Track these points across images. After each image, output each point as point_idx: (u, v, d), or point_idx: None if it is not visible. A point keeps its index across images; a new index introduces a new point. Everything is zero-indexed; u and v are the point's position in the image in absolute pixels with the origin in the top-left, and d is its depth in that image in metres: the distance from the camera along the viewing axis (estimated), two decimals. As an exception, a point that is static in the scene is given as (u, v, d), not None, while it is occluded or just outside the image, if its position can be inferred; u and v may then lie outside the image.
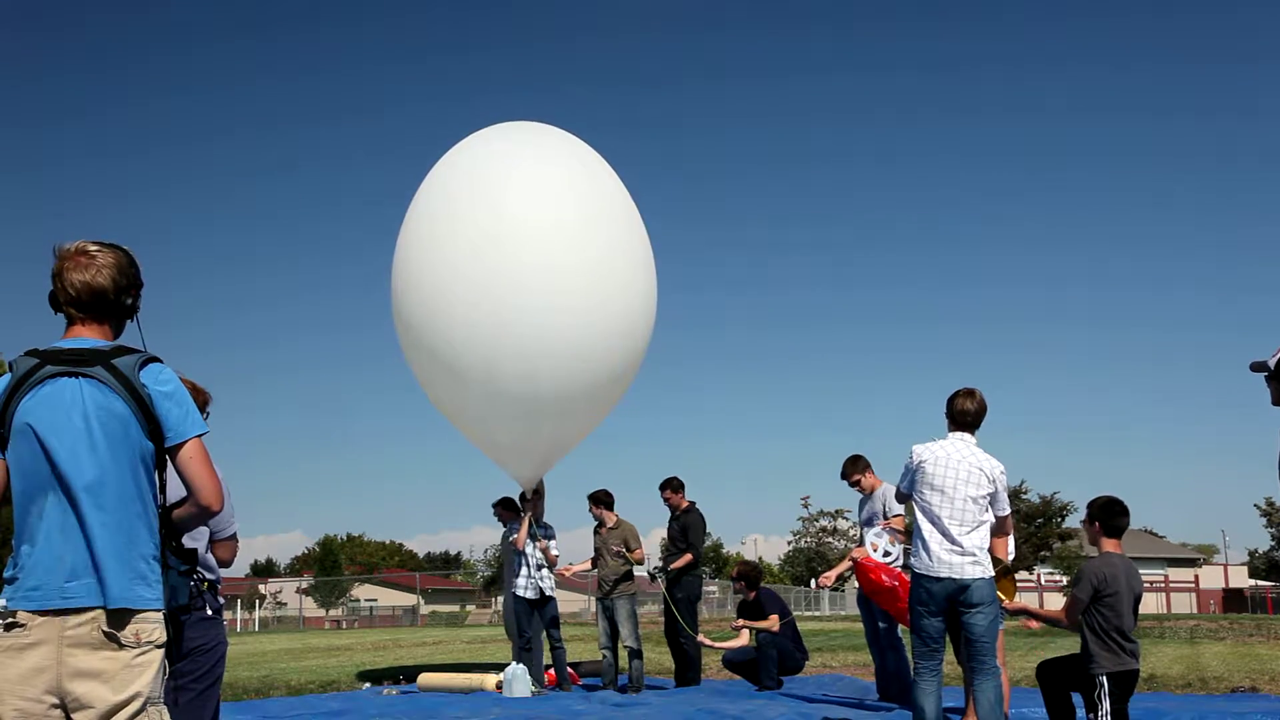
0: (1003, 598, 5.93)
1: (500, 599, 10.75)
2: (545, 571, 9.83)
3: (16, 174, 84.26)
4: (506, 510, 10.32)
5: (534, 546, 9.82)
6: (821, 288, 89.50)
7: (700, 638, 9.60)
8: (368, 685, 10.64)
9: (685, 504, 9.88)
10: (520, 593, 9.81)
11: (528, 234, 9.14)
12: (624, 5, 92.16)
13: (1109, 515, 5.41)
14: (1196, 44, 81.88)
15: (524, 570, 9.83)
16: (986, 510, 5.49)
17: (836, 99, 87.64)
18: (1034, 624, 6.17)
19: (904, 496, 5.75)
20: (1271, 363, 4.11)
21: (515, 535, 9.88)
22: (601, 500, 9.83)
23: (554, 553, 9.90)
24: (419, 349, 9.66)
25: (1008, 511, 5.60)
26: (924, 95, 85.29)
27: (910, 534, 6.06)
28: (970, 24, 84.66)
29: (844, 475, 8.20)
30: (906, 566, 6.44)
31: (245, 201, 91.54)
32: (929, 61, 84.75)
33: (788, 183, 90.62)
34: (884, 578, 7.22)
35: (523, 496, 10.09)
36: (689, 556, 9.72)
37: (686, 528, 9.75)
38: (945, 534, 5.41)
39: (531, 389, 9.19)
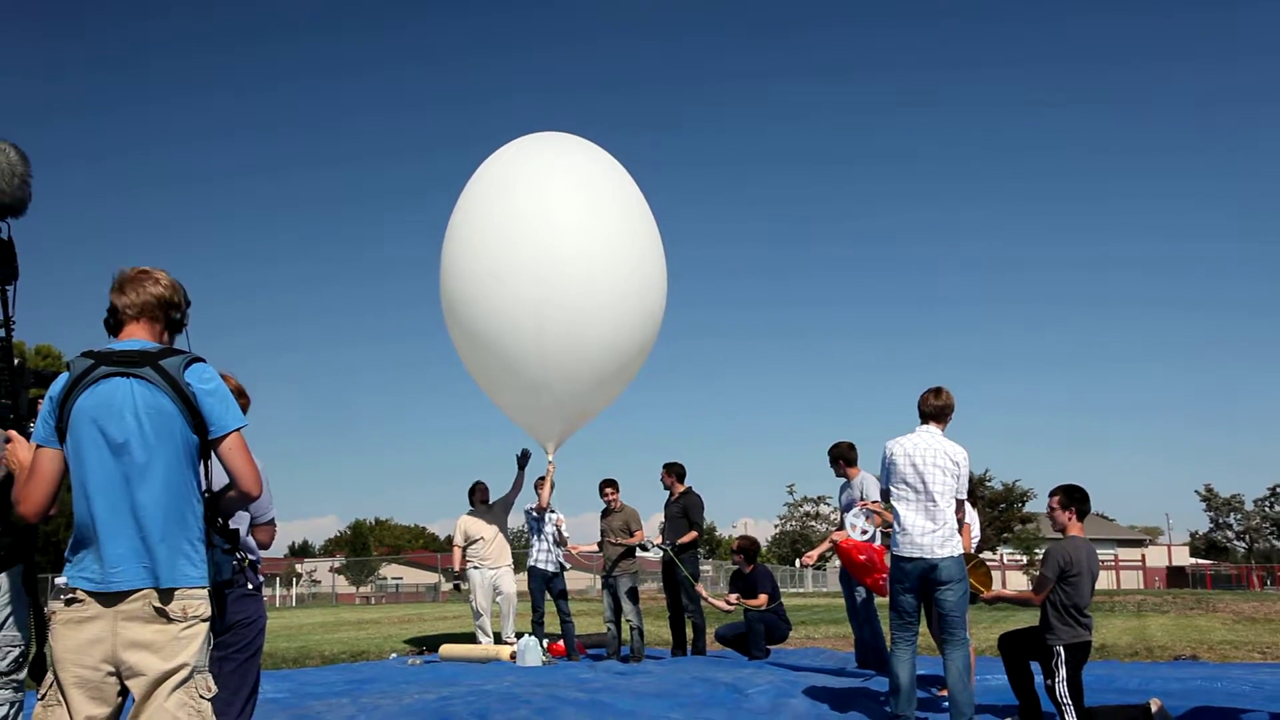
0: (980, 588, 5.91)
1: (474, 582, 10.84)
2: (559, 550, 9.92)
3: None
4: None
5: (552, 522, 9.90)
6: (808, 280, 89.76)
7: (699, 588, 9.57)
8: (394, 655, 10.62)
9: (681, 488, 9.85)
10: (542, 566, 9.86)
11: (569, 219, 9.57)
12: (632, 11, 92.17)
13: (1073, 500, 5.40)
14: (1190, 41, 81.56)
15: (544, 545, 9.89)
16: (955, 493, 5.48)
17: (829, 100, 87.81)
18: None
19: (886, 493, 5.70)
20: None
21: (535, 503, 9.99)
22: (614, 486, 9.82)
23: (565, 532, 9.98)
24: (478, 313, 9.68)
25: (963, 495, 5.59)
26: (911, 94, 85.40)
27: (885, 514, 6.04)
28: (971, 25, 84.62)
29: (835, 458, 8.16)
30: (886, 536, 6.41)
31: (289, 193, 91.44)
32: (920, 61, 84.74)
33: (782, 178, 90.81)
34: (860, 556, 7.22)
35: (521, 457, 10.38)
36: (694, 534, 9.70)
37: (688, 508, 9.71)
38: (918, 517, 5.41)
39: (577, 349, 9.49)
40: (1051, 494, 5.51)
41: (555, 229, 9.47)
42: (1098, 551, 5.53)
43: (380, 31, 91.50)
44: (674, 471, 9.87)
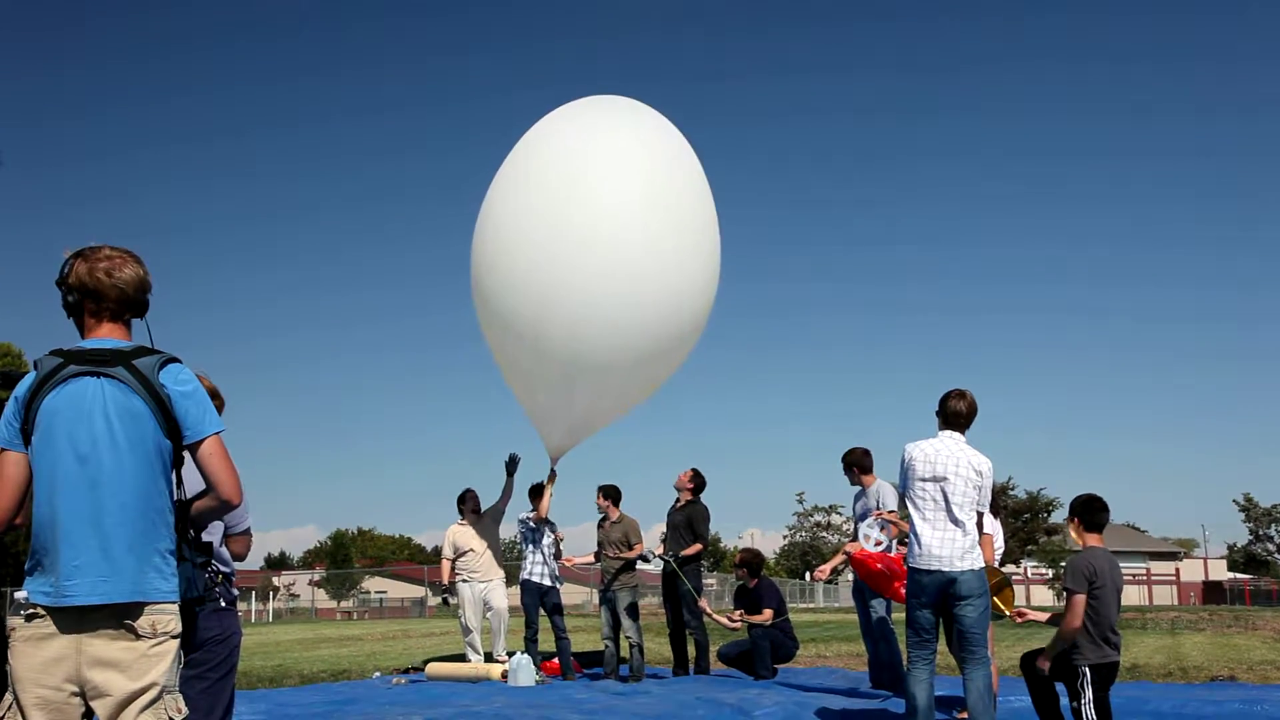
0: (1005, 608, 5.90)
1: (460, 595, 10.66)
2: (555, 563, 9.92)
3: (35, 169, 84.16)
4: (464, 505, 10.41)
5: (550, 536, 9.92)
6: (817, 283, 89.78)
7: (702, 603, 9.58)
8: (378, 674, 10.62)
9: (688, 497, 9.84)
10: (536, 580, 9.85)
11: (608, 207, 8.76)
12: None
13: (1089, 511, 5.41)
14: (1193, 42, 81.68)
15: (539, 557, 9.89)
16: (976, 505, 5.48)
17: (843, 99, 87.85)
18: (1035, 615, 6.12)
19: (904, 499, 5.71)
20: None
21: (534, 512, 9.98)
22: (610, 494, 9.81)
23: (561, 547, 10.02)
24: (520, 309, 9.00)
25: (984, 509, 5.59)
26: (930, 95, 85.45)
27: (901, 524, 6.05)
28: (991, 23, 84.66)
29: (850, 464, 8.14)
30: (903, 547, 6.41)
31: (261, 197, 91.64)
32: (930, 63, 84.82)
33: (791, 179, 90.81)
34: (877, 565, 7.22)
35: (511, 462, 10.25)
36: (699, 546, 9.71)
37: (692, 519, 9.71)
38: (936, 528, 5.41)
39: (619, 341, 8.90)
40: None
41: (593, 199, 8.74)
42: (1129, 565, 5.55)
43: (386, 29, 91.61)
44: (700, 486, 9.87)
